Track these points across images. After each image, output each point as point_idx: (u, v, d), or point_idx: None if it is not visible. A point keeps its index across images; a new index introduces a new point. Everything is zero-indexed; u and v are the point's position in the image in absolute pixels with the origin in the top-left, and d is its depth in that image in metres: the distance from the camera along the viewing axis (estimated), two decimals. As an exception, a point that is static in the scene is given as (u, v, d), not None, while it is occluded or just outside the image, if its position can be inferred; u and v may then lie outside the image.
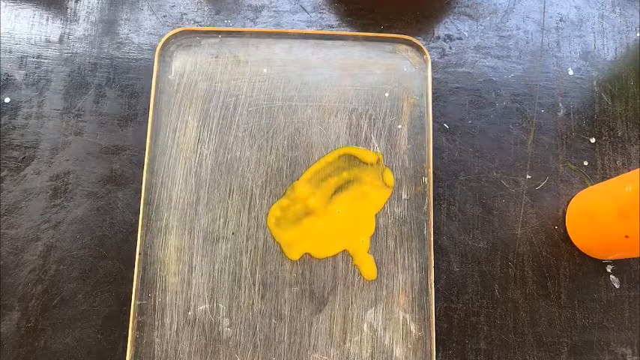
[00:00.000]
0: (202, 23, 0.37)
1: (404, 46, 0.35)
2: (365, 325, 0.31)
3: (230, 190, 0.33)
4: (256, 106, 0.34)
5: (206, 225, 0.32)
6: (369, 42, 0.35)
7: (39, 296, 0.31)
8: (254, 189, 0.33)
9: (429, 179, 0.33)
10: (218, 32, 0.35)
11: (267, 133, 0.33)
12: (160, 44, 0.34)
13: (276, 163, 0.33)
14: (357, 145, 0.34)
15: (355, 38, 0.35)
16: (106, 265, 0.32)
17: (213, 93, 0.34)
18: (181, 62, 0.34)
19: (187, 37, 0.35)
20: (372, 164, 0.33)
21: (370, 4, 0.37)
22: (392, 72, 0.35)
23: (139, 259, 0.31)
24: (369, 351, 0.31)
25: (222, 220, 0.32)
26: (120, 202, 0.33)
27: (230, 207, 0.32)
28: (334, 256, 0.32)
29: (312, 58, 0.35)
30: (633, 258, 0.33)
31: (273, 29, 0.36)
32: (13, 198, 0.33)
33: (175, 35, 0.34)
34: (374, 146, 0.34)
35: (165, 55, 0.34)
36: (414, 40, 0.35)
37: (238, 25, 0.37)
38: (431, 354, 0.30)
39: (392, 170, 0.33)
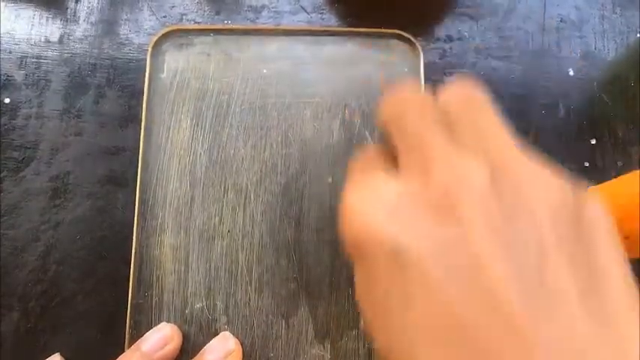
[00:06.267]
0: (202, 24, 0.36)
1: (395, 41, 0.35)
2: (362, 321, 0.31)
3: (225, 187, 0.32)
4: (249, 103, 0.34)
5: (201, 223, 0.32)
6: (361, 37, 0.35)
7: (39, 296, 0.31)
8: (249, 186, 0.32)
9: None
10: (210, 30, 0.35)
11: (261, 130, 0.33)
12: (152, 43, 0.34)
13: (271, 161, 0.33)
14: (350, 140, 0.34)
15: (346, 34, 0.35)
16: (105, 266, 0.32)
17: (206, 91, 0.34)
18: (174, 61, 0.34)
19: (179, 36, 0.35)
20: None
21: (370, 5, 0.37)
22: (384, 66, 0.35)
23: (134, 259, 0.31)
24: (367, 346, 0.31)
25: (217, 218, 0.32)
26: (120, 202, 0.33)
27: (225, 205, 0.32)
28: (331, 251, 0.32)
29: (304, 54, 0.35)
30: (634, 259, 0.33)
31: (264, 26, 0.36)
32: (13, 198, 0.33)
33: (167, 34, 0.34)
34: (368, 141, 0.34)
35: (158, 54, 0.34)
36: (404, 33, 0.35)
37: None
38: None
39: None
